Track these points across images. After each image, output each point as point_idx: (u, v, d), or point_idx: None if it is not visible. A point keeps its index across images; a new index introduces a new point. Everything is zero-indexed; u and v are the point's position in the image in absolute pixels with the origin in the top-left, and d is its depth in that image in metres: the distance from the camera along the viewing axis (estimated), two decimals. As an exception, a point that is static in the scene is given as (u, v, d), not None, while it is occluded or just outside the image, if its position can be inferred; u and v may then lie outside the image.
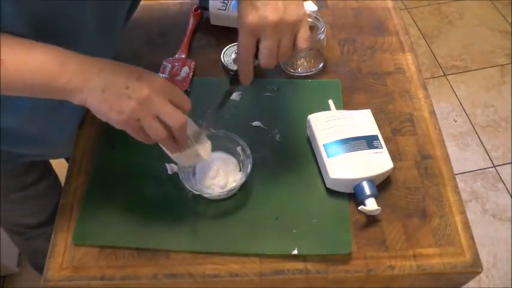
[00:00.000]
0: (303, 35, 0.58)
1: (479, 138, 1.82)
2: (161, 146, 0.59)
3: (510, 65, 2.04)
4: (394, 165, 0.70)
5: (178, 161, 0.66)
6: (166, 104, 0.54)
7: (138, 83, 0.52)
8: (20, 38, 0.53)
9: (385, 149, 0.71)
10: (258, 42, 0.58)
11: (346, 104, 0.81)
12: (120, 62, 0.55)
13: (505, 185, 1.69)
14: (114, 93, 0.52)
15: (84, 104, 0.53)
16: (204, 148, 0.64)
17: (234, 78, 0.64)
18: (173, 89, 0.56)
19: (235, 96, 0.83)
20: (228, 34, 0.91)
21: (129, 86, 0.52)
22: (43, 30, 0.55)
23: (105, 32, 0.67)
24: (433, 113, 0.80)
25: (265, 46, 0.57)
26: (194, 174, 0.72)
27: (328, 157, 0.70)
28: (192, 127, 0.62)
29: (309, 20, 0.85)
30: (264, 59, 0.58)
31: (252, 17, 0.55)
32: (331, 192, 0.71)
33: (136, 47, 0.89)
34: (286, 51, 0.58)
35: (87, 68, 0.52)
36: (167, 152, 0.61)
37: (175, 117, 0.54)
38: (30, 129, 0.73)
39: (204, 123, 0.65)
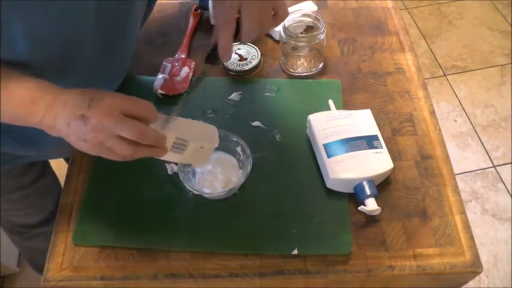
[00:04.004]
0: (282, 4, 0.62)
1: (479, 138, 1.82)
2: (164, 158, 0.57)
3: (510, 65, 2.04)
4: (394, 165, 0.70)
5: (195, 165, 0.67)
6: (118, 121, 0.52)
7: (89, 110, 0.52)
8: None
9: (385, 149, 0.71)
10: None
11: (346, 104, 0.81)
12: (82, 89, 0.54)
13: (505, 185, 1.68)
14: (75, 125, 0.52)
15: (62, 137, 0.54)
16: (199, 137, 0.60)
17: (210, 55, 0.63)
18: (127, 102, 0.54)
19: (235, 96, 0.83)
20: (228, 34, 0.91)
21: (83, 113, 0.52)
22: (45, 50, 0.56)
23: (115, 41, 0.68)
24: (433, 113, 0.80)
25: (247, 15, 0.59)
26: (194, 174, 0.72)
27: (328, 157, 0.70)
28: (162, 121, 0.57)
29: (309, 20, 0.85)
30: (248, 27, 0.60)
31: None
32: (331, 192, 0.71)
33: (136, 47, 0.89)
34: (268, 20, 0.61)
35: (56, 104, 0.53)
36: (176, 161, 0.61)
37: (130, 129, 0.52)
38: (28, 130, 0.73)
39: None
